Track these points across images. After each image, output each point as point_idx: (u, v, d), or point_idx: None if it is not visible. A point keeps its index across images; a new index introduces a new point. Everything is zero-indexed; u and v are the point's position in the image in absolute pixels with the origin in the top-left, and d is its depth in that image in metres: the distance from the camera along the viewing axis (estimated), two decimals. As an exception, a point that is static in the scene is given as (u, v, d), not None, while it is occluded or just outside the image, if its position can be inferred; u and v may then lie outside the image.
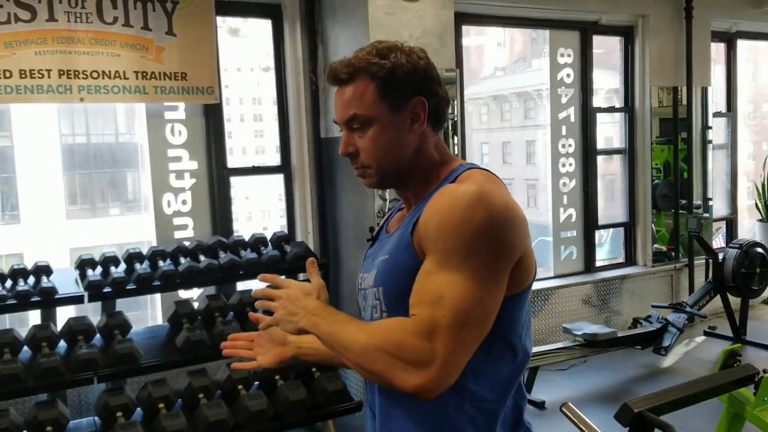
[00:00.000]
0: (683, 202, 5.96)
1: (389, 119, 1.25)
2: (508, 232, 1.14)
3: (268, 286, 1.30)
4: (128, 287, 3.33)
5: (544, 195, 6.31)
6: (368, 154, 1.27)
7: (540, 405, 4.21)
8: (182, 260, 3.56)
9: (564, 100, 5.55)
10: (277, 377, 3.54)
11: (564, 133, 5.56)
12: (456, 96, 4.26)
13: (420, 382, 1.08)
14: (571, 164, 5.60)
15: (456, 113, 4.28)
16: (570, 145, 5.59)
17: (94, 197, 13.85)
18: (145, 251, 3.62)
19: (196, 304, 3.69)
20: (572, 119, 5.58)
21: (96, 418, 3.27)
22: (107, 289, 3.29)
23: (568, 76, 5.54)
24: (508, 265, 1.15)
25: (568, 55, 5.53)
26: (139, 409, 3.27)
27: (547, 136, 5.72)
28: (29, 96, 3.48)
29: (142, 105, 4.00)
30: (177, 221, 4.06)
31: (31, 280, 3.26)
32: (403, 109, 1.25)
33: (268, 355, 1.56)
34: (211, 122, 4.16)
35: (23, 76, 3.44)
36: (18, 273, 3.26)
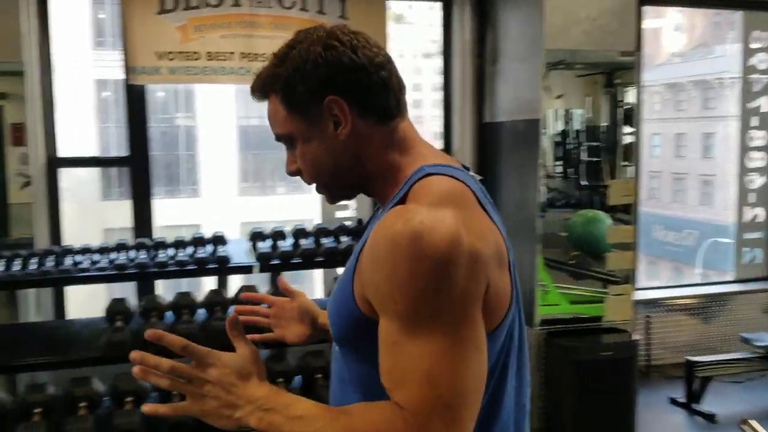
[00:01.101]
0: None
1: (308, 132, 1.05)
2: (462, 272, 0.89)
3: (179, 359, 0.98)
4: (294, 261, 3.47)
5: (722, 193, 5.78)
6: (305, 172, 1.10)
7: (710, 418, 3.89)
8: (343, 239, 3.66)
9: (756, 88, 5.03)
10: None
11: (754, 124, 5.05)
12: (634, 82, 3.99)
13: None
14: (762, 159, 5.08)
15: (633, 101, 4.02)
16: (761, 138, 5.06)
17: (264, 176, 14.74)
18: (311, 228, 3.76)
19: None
20: (764, 109, 5.04)
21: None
22: (275, 261, 3.45)
23: (762, 62, 5.01)
24: (477, 307, 0.92)
25: (764, 39, 4.99)
26: (299, 377, 3.42)
27: (731, 128, 5.24)
28: (214, 77, 3.72)
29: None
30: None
31: (209, 248, 3.50)
32: (320, 115, 1.03)
33: (290, 330, 1.37)
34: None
35: (210, 58, 3.69)
36: (198, 241, 3.52)
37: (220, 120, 13.23)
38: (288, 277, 3.65)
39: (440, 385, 0.88)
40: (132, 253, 3.38)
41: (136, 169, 3.89)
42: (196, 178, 14.02)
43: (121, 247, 3.43)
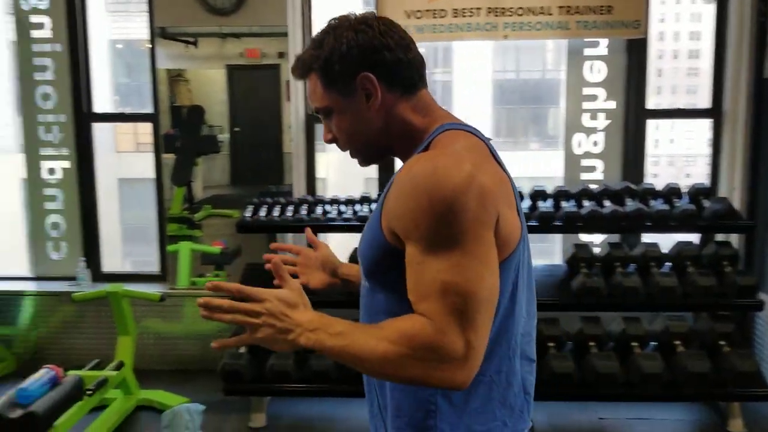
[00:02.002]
0: None
1: (344, 105, 1.22)
2: (473, 202, 1.05)
3: (231, 298, 1.11)
4: (529, 223, 3.36)
5: None
6: (341, 140, 1.27)
7: None
8: (586, 203, 3.45)
9: None
10: (677, 342, 3.26)
11: None
12: None
13: (459, 376, 1.05)
14: None
15: None
16: None
17: (517, 131, 14.55)
18: (551, 189, 3.61)
19: (596, 250, 3.58)
20: None
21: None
22: (510, 223, 3.39)
23: None
24: (488, 231, 1.07)
25: None
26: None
27: None
28: (459, 34, 3.70)
29: (565, 41, 3.93)
30: (585, 162, 3.94)
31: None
32: (353, 90, 1.20)
33: (313, 277, 1.51)
34: (634, 59, 3.86)
35: (456, 15, 3.67)
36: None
37: (475, 74, 13.27)
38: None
39: (456, 294, 1.04)
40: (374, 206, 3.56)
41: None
42: (450, 132, 14.29)
43: (365, 200, 3.63)
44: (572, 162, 3.98)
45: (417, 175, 1.07)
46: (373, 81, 1.18)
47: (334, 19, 1.23)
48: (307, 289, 1.49)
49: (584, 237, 3.93)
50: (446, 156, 1.09)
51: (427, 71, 1.27)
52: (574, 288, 3.31)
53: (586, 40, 3.82)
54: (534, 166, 12.27)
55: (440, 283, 1.04)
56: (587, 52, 3.88)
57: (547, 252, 8.43)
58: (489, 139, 1.24)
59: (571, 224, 3.38)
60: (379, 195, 3.28)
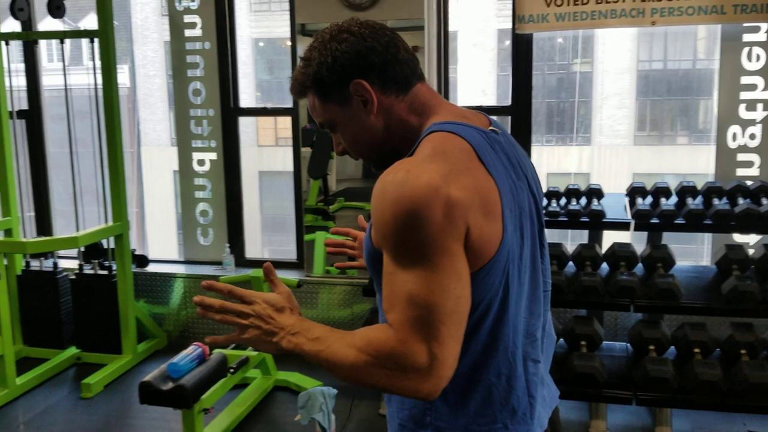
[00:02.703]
0: None
1: (344, 115, 1.23)
2: (438, 214, 1.04)
3: (223, 298, 1.18)
4: (676, 221, 3.17)
5: None
6: (350, 149, 1.29)
7: None
8: (740, 201, 3.19)
9: None
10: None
11: None
12: None
13: (424, 387, 1.06)
14: None
15: None
16: None
17: (663, 124, 13.71)
18: (701, 186, 3.38)
19: (751, 252, 3.30)
20: None
21: (629, 345, 3.31)
22: (654, 221, 3.20)
23: None
24: (455, 243, 1.06)
25: None
26: (672, 347, 3.17)
27: None
28: (602, 21, 3.53)
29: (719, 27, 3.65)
30: (741, 157, 3.64)
31: (583, 201, 3.42)
32: (349, 99, 1.21)
33: None
34: (801, 43, 3.52)
35: (599, 1, 3.51)
36: (572, 193, 3.46)
37: (618, 65, 12.67)
38: (670, 235, 3.39)
39: (419, 306, 1.05)
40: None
41: (517, 117, 3.97)
42: (588, 125, 13.78)
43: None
44: (726, 157, 3.69)
45: (386, 185, 1.08)
46: (366, 86, 1.20)
47: (318, 32, 1.25)
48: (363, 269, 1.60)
49: (737, 238, 3.64)
50: (415, 166, 1.09)
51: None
52: (724, 291, 3.08)
53: (745, 25, 3.53)
54: (682, 161, 11.54)
55: (406, 294, 1.06)
56: (746, 38, 3.57)
57: (693, 253, 7.91)
58: (492, 132, 1.22)
59: (722, 223, 3.14)
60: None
